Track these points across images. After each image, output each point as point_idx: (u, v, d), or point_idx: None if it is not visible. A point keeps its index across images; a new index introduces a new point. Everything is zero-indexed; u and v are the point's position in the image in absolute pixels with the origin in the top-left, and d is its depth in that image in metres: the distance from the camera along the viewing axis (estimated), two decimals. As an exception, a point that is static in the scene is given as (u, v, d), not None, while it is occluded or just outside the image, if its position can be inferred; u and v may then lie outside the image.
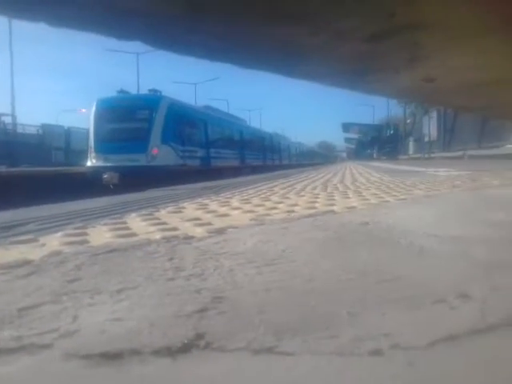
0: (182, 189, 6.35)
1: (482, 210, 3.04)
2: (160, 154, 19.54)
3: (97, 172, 18.28)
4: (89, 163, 19.91)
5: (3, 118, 26.76)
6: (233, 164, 26.19)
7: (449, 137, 28.06)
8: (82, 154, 21.56)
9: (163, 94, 21.66)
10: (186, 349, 0.95)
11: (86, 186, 14.04)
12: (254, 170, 24.33)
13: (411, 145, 35.00)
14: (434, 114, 32.03)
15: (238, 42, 1.43)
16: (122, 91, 21.41)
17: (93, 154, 19.70)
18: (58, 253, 1.67)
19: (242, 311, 1.16)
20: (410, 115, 36.29)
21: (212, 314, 1.14)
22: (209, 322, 1.08)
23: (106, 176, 17.96)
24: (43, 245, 1.88)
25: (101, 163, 19.22)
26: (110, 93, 21.06)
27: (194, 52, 1.54)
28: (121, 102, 20.15)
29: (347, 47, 1.53)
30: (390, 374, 0.84)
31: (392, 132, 37.16)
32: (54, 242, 1.93)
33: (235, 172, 21.08)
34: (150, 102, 20.25)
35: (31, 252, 1.72)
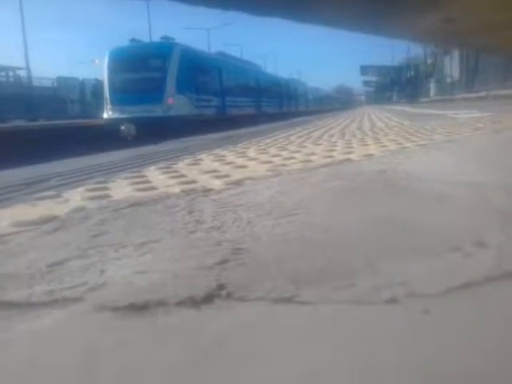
0: (198, 140, 6.34)
1: (503, 154, 2.98)
2: (175, 103, 19.38)
3: (114, 124, 18.30)
4: (105, 115, 19.91)
5: (18, 72, 26.69)
6: (249, 112, 25.88)
7: (471, 77, 27.01)
8: (98, 106, 21.52)
9: (176, 41, 21.16)
10: (208, 299, 0.99)
11: (104, 138, 14.10)
12: (271, 117, 24.02)
13: (432, 86, 33.86)
14: (456, 54, 30.71)
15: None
16: (133, 40, 20.99)
17: (109, 106, 19.66)
18: (81, 208, 1.72)
19: (261, 262, 1.20)
20: (430, 55, 34.86)
21: (232, 265, 1.18)
22: (229, 273, 1.12)
23: (123, 128, 18.00)
24: (66, 200, 1.94)
25: (117, 115, 19.20)
26: (123, 42, 20.68)
27: (205, 1, 1.49)
28: (133, 52, 19.81)
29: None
30: (405, 321, 0.87)
31: (412, 73, 35.86)
32: (76, 196, 1.98)
33: (252, 120, 20.88)
34: (163, 50, 19.84)
35: (55, 208, 1.77)
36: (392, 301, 0.95)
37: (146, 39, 23.94)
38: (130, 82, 19.72)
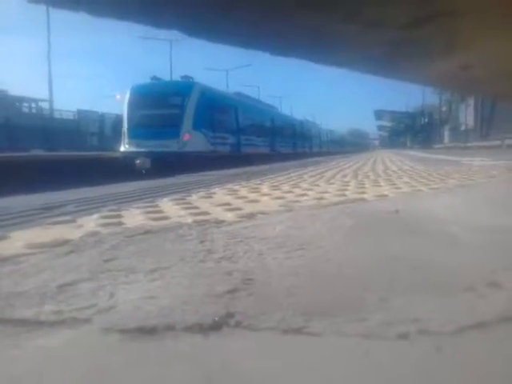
0: (212, 175, 6.41)
1: (518, 200, 2.96)
2: (191, 140, 19.70)
3: (129, 157, 18.62)
4: (122, 148, 20.28)
5: (40, 103, 27.57)
6: (263, 151, 26.17)
7: (486, 125, 27.14)
8: (116, 139, 21.96)
9: (195, 80, 21.76)
10: (216, 326, 0.98)
11: (119, 170, 14.32)
12: (284, 157, 24.26)
13: (446, 133, 34.06)
14: (472, 102, 31.01)
15: (270, 28, 1.44)
16: (154, 78, 21.64)
17: (126, 140, 20.06)
18: (94, 233, 1.74)
19: (271, 293, 1.19)
20: (445, 103, 35.25)
21: (242, 294, 1.17)
22: (239, 302, 1.12)
23: (138, 161, 18.28)
24: (80, 226, 1.96)
25: (133, 148, 19.55)
26: (144, 80, 21.33)
27: (228, 40, 1.55)
28: (154, 89, 20.39)
29: (381, 35, 1.51)
30: (417, 357, 0.85)
31: (426, 120, 36.19)
32: (90, 223, 2.01)
33: (265, 159, 21.10)
34: (183, 89, 20.40)
35: (69, 232, 1.79)
36: (403, 336, 0.93)
37: (167, 78, 24.66)
38: (148, 118, 20.19)
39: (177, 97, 19.95)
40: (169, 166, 15.14)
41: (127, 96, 20.60)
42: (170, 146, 19.17)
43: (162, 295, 1.16)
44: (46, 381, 0.78)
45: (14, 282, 1.24)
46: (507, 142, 20.53)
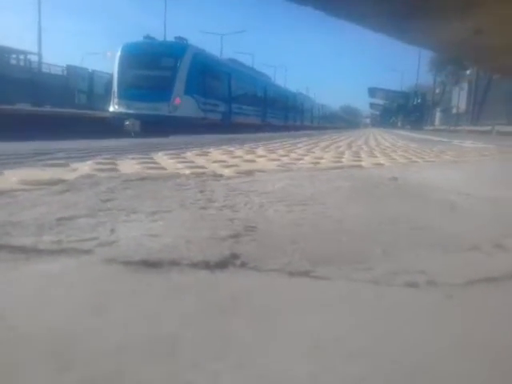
0: (204, 138, 6.33)
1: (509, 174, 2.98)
2: (182, 104, 19.35)
3: (118, 118, 18.28)
4: (111, 108, 19.86)
5: (29, 56, 26.69)
6: (254, 121, 25.93)
7: (478, 110, 27.23)
8: (105, 99, 21.49)
9: (189, 42, 21.24)
10: (222, 264, 0.96)
11: (108, 131, 14.07)
12: (276, 128, 24.06)
13: (438, 115, 34.11)
14: (465, 86, 30.98)
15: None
16: (148, 37, 21.06)
17: (115, 100, 19.61)
18: (90, 176, 1.69)
19: (274, 240, 1.17)
20: (439, 84, 35.16)
21: (246, 239, 1.15)
22: (243, 246, 1.09)
23: (127, 123, 17.96)
24: (75, 169, 1.91)
25: (123, 109, 19.15)
26: (137, 38, 20.74)
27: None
28: (146, 48, 19.83)
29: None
30: (427, 303, 0.84)
31: (419, 101, 36.12)
32: (85, 167, 1.95)
33: (256, 129, 20.88)
34: (176, 50, 19.88)
35: (64, 174, 1.74)
36: (412, 285, 0.92)
37: (160, 38, 23.98)
38: (139, 78, 19.72)
39: (170, 58, 19.45)
40: (158, 129, 14.93)
41: (118, 54, 20.02)
42: (161, 109, 18.81)
43: (165, 234, 1.12)
44: (46, 305, 0.75)
45: (10, 213, 1.20)
46: (497, 128, 20.65)
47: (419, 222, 1.46)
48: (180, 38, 21.45)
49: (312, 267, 0.98)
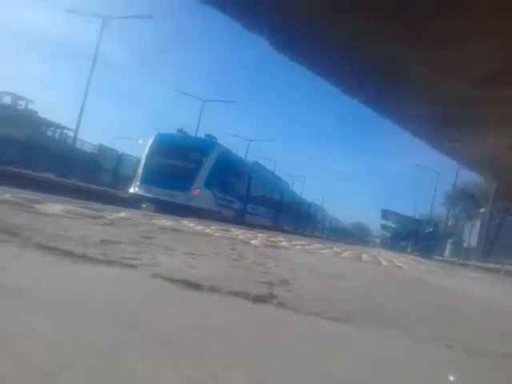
0: (222, 224, 6.42)
1: None
2: (200, 196, 19.80)
3: (136, 200, 18.68)
4: (131, 190, 20.39)
5: (65, 131, 28.25)
6: (265, 222, 26.16)
7: (488, 248, 27.24)
8: (128, 180, 22.16)
9: (218, 141, 22.34)
10: (261, 300, 0.97)
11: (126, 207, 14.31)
12: (286, 233, 24.10)
13: (448, 247, 34.10)
14: (478, 223, 31.34)
15: (342, 60, 1.56)
16: (180, 131, 22.29)
17: (137, 183, 20.20)
18: (129, 218, 1.75)
19: (309, 294, 1.18)
20: (452, 218, 35.76)
21: (280, 288, 1.16)
22: (279, 291, 1.10)
23: (144, 206, 18.29)
24: (111, 214, 1.97)
25: (142, 192, 19.64)
26: (170, 130, 21.96)
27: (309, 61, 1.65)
28: (177, 140, 20.86)
29: (451, 87, 1.59)
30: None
31: (431, 230, 36.39)
32: (121, 214, 2.02)
33: (267, 229, 20.97)
34: (204, 145, 20.84)
35: (103, 214, 1.80)
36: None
37: (192, 133, 25.34)
38: (164, 166, 20.43)
39: (196, 152, 20.33)
40: (173, 213, 15.12)
41: (150, 141, 21.07)
42: (178, 197, 19.21)
43: (203, 268, 1.15)
44: (93, 300, 0.77)
45: (56, 228, 1.24)
46: (506, 267, 20.37)
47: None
48: (210, 136, 22.64)
49: (348, 316, 0.99)
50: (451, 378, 0.68)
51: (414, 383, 0.66)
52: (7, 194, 1.67)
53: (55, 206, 1.63)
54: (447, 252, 34.45)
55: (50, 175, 20.93)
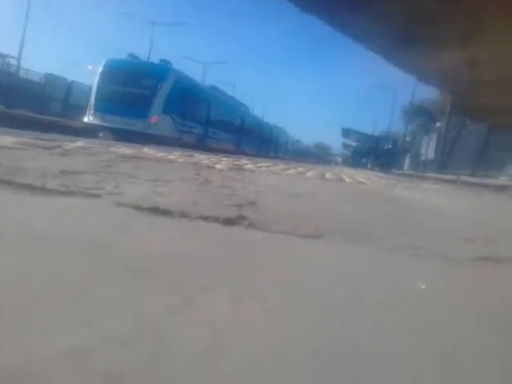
0: (182, 149, 6.33)
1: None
2: (159, 123, 19.29)
3: (91, 130, 18.02)
4: (85, 119, 19.59)
5: (8, 59, 26.25)
6: (228, 147, 26.06)
7: (444, 160, 28.45)
8: (80, 110, 21.21)
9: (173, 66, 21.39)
10: (231, 222, 0.96)
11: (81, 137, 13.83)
12: (250, 156, 24.17)
13: (407, 161, 35.39)
14: (434, 137, 32.32)
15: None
16: (132, 56, 21.11)
17: (91, 111, 19.37)
18: (85, 147, 1.67)
19: (277, 214, 1.18)
20: (410, 133, 36.68)
21: (249, 210, 1.16)
22: (248, 213, 1.10)
23: (100, 135, 17.72)
24: (67, 144, 1.88)
25: (97, 121, 18.93)
26: (120, 56, 20.76)
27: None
28: (129, 66, 19.80)
29: (411, 2, 1.54)
30: (427, 272, 0.87)
31: (390, 146, 37.45)
32: (77, 143, 1.93)
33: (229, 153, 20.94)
34: (159, 71, 19.94)
35: (58, 144, 1.71)
36: (416, 255, 0.95)
37: (144, 58, 24.08)
38: (118, 93, 19.55)
39: (151, 78, 19.47)
40: (132, 141, 14.77)
41: (101, 68, 19.94)
42: (136, 125, 18.65)
43: (170, 195, 1.12)
44: (59, 232, 0.74)
45: (11, 162, 1.17)
46: (462, 178, 21.43)
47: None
48: (164, 61, 21.60)
49: (320, 233, 1.00)
50: (422, 286, 0.71)
51: (386, 292, 0.68)
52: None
53: (6, 139, 1.53)
54: (406, 166, 35.73)
55: (-5, 108, 19.71)
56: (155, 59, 23.65)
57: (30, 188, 0.93)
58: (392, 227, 1.31)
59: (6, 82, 23.48)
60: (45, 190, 0.94)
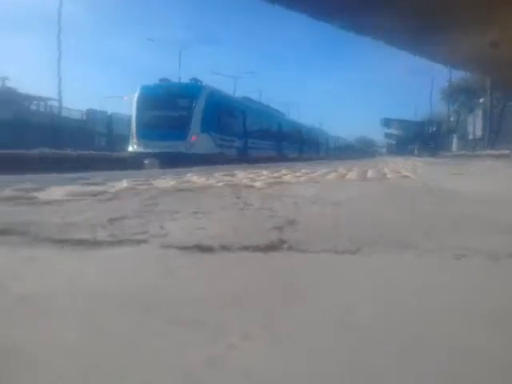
0: (225, 167, 6.43)
1: None
2: (199, 141, 19.71)
3: (137, 158, 18.66)
4: (130, 148, 20.31)
5: (49, 102, 27.74)
6: (268, 155, 26.17)
7: (494, 136, 27.14)
8: (124, 140, 22.02)
9: (204, 83, 21.82)
10: (272, 247, 1.00)
11: (128, 168, 14.33)
12: (292, 160, 24.21)
13: (455, 142, 34.14)
14: (480, 113, 30.98)
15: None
16: (164, 80, 21.73)
17: (134, 140, 20.09)
18: (130, 188, 1.76)
19: (316, 230, 1.20)
20: (453, 113, 35.36)
21: (289, 230, 1.19)
22: (288, 234, 1.13)
23: (146, 162, 18.30)
24: (113, 186, 1.98)
25: (142, 149, 19.57)
26: (153, 81, 21.42)
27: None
28: (163, 90, 20.42)
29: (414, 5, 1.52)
30: (476, 271, 0.86)
31: (434, 129, 36.31)
32: (123, 184, 2.03)
33: (273, 161, 21.06)
34: (191, 91, 20.42)
35: (105, 188, 1.82)
36: (459, 257, 0.94)
37: (176, 80, 24.73)
38: (156, 119, 20.19)
39: (185, 98, 19.98)
40: (176, 164, 15.16)
41: (136, 96, 20.65)
42: (178, 147, 19.16)
43: (211, 227, 1.17)
44: (112, 281, 0.80)
45: (62, 217, 1.26)
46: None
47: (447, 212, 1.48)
48: (195, 80, 22.09)
49: (358, 248, 1.02)
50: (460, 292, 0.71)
51: (422, 300, 0.69)
52: (6, 188, 1.68)
53: (56, 191, 1.64)
54: (454, 146, 34.47)
55: (44, 150, 20.83)
56: (186, 79, 24.18)
57: (81, 243, 1.01)
58: (436, 226, 1.29)
59: (51, 123, 24.81)
60: (96, 243, 1.01)
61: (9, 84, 26.25)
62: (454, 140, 33.68)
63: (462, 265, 0.91)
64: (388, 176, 3.00)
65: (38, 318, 0.61)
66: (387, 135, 44.91)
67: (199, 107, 20.33)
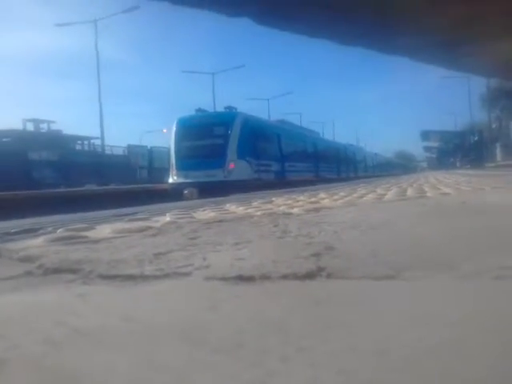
0: (263, 193, 6.49)
1: None
2: (236, 168, 19.99)
3: (177, 188, 19.08)
4: (170, 180, 20.83)
5: (93, 141, 29.14)
6: (307, 177, 26.14)
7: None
8: (164, 172, 22.64)
9: (238, 110, 22.26)
10: (310, 276, 1.03)
11: (169, 199, 14.69)
12: (330, 181, 24.10)
13: (498, 151, 32.87)
14: (523, 117, 29.87)
15: (336, 16, 1.52)
16: (199, 110, 22.33)
17: (174, 171, 20.59)
18: (173, 222, 1.84)
19: (354, 256, 1.23)
20: (494, 120, 34.25)
21: (327, 257, 1.22)
22: (326, 261, 1.16)
23: (186, 192, 18.69)
24: (157, 221, 2.07)
25: (181, 179, 20.01)
26: (189, 112, 22.04)
27: (296, 27, 1.64)
28: (199, 120, 20.97)
29: (443, 11, 1.54)
30: (516, 288, 0.86)
31: (476, 138, 35.17)
32: (166, 218, 2.12)
33: (311, 183, 21.05)
34: (226, 119, 20.87)
35: (149, 223, 1.90)
36: (500, 278, 0.94)
37: (211, 109, 25.38)
38: (193, 149, 20.68)
39: (221, 127, 20.42)
40: (215, 192, 15.41)
41: (174, 129, 21.30)
42: (216, 175, 19.51)
43: (252, 257, 1.22)
44: (159, 314, 0.85)
45: (111, 253, 1.34)
46: None
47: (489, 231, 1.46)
48: (229, 107, 22.58)
49: (396, 273, 1.03)
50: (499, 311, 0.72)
51: (464, 326, 0.70)
52: (59, 228, 1.79)
53: (104, 229, 1.74)
54: (499, 156, 33.17)
55: (91, 186, 21.70)
56: (221, 108, 24.75)
57: (130, 278, 1.08)
58: (475, 246, 1.29)
59: (95, 161, 25.98)
60: (144, 278, 1.08)
61: (54, 127, 27.85)
62: (498, 148, 32.36)
63: (505, 287, 0.91)
64: (428, 194, 2.96)
65: (93, 350, 0.67)
66: (426, 148, 43.73)
67: (234, 134, 20.72)
